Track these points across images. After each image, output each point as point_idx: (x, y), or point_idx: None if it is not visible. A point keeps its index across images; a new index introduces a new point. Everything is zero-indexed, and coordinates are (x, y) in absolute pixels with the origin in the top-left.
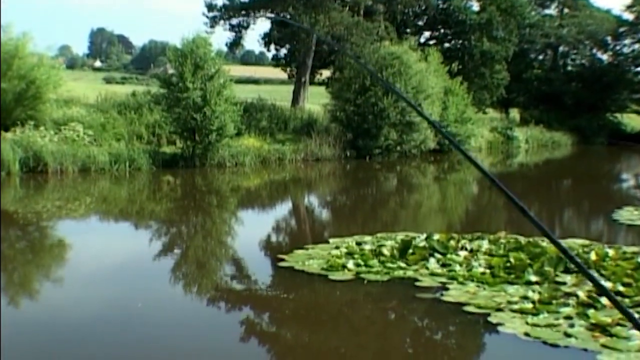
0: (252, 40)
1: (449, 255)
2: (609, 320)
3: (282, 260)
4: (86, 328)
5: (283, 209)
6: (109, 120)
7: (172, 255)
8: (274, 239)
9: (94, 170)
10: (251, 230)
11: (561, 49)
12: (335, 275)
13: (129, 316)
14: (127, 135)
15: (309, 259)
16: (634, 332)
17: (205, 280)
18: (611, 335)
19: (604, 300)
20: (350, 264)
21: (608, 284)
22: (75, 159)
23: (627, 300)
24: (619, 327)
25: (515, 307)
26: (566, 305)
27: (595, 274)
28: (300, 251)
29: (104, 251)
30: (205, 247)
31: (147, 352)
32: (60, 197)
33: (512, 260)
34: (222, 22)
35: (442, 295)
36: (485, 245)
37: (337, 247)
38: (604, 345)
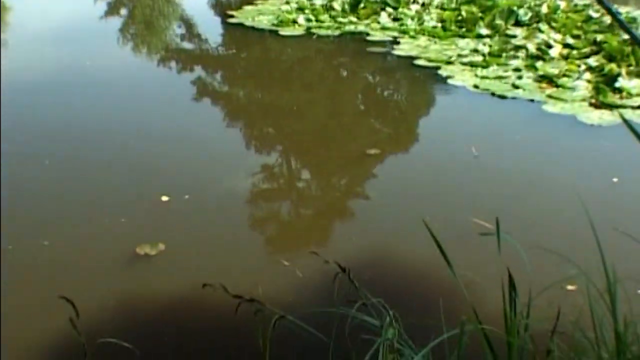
0: None
1: (400, 9)
2: (556, 71)
3: (232, 16)
4: (32, 88)
5: None
6: None
7: (119, 15)
8: None
9: None
10: None
11: None
12: (285, 31)
13: (77, 76)
14: None
15: (259, 15)
16: (579, 83)
17: (155, 40)
18: (557, 86)
19: (553, 52)
20: (301, 19)
21: (557, 36)
22: None
23: (575, 52)
24: (565, 79)
25: (466, 60)
26: (515, 57)
27: (546, 26)
28: (249, 7)
29: (47, 14)
30: (152, 5)
31: (95, 112)
32: None
33: (463, 13)
34: None
35: (393, 49)
36: None
37: (287, 2)
38: (549, 96)
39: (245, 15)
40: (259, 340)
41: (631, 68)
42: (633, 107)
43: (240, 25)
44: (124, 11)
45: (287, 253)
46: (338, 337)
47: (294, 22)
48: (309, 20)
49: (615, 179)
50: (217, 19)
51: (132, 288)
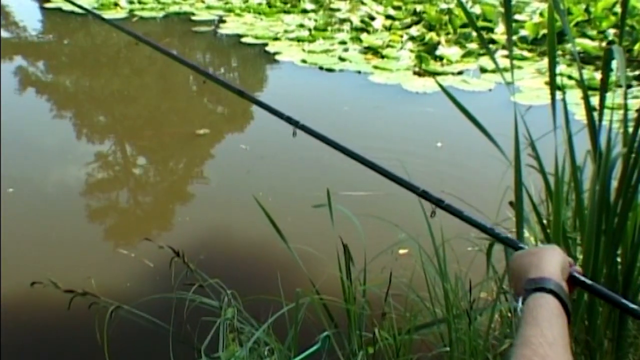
0: None
1: None
2: (380, 43)
3: (48, 1)
4: None
5: None
6: None
7: None
8: None
9: None
10: None
11: None
12: (107, 15)
13: None
14: None
15: None
16: (403, 52)
17: None
18: (382, 57)
19: (376, 23)
20: (123, 2)
21: (380, 8)
22: None
23: (397, 23)
24: (389, 49)
25: (292, 35)
26: (341, 31)
27: None
28: None
29: None
30: None
31: None
32: None
33: None
34: None
35: (220, 28)
36: None
37: None
38: (375, 67)
39: (62, 0)
40: (97, 333)
41: (450, 36)
42: (453, 74)
43: (59, 10)
44: None
45: (123, 242)
46: (178, 323)
47: (116, 4)
48: (131, 2)
49: (439, 144)
50: (34, 5)
51: None
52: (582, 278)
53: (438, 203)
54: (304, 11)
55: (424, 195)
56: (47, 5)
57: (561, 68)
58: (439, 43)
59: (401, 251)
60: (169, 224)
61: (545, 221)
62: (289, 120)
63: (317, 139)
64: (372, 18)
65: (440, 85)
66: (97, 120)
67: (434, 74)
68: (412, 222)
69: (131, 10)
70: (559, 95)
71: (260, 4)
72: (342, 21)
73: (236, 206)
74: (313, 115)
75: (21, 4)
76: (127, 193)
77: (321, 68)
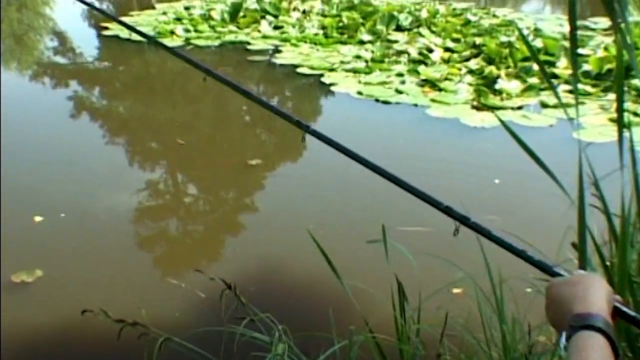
0: None
1: (281, 17)
2: (438, 75)
3: (106, 29)
4: None
5: None
6: None
7: None
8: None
9: None
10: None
11: None
12: (163, 42)
13: None
14: None
15: (135, 27)
16: (461, 86)
17: (26, 55)
18: (440, 90)
19: (434, 56)
20: (179, 30)
21: (438, 40)
22: None
23: (455, 55)
24: (447, 82)
25: (348, 66)
26: (398, 63)
27: (426, 31)
28: (125, 18)
29: None
30: (21, 19)
31: None
32: None
33: (345, 20)
34: None
35: (275, 58)
36: (318, 5)
37: (164, 13)
38: (433, 100)
39: (120, 27)
40: None
41: (510, 70)
42: (513, 108)
43: (116, 37)
44: None
45: (173, 272)
46: (228, 357)
47: (172, 33)
48: (187, 30)
49: (497, 180)
50: (92, 32)
51: (8, 319)
52: (626, 310)
53: (463, 220)
54: (361, 42)
55: (448, 211)
56: (105, 32)
57: (627, 104)
58: (498, 77)
59: (456, 290)
60: (219, 254)
61: (608, 263)
62: (298, 124)
63: (328, 144)
64: (430, 50)
65: (500, 120)
66: (149, 147)
67: (493, 108)
68: (468, 260)
69: (187, 39)
70: (625, 132)
71: (316, 34)
72: (400, 53)
73: (287, 238)
74: (367, 147)
75: (79, 32)
76: (177, 222)
77: (377, 100)
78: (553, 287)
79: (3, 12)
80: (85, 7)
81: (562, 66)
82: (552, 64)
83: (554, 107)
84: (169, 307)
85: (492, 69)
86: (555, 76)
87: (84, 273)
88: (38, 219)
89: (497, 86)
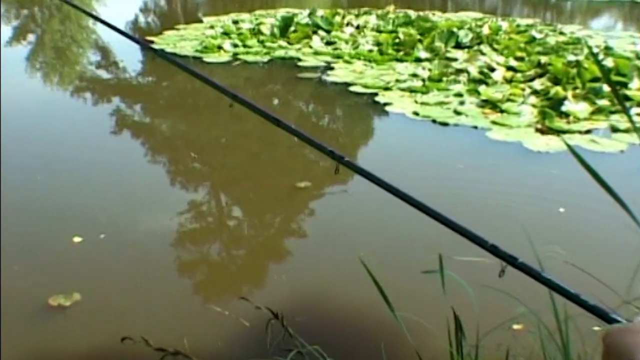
0: None
1: (334, 33)
2: (499, 96)
3: (152, 42)
4: None
5: None
6: None
7: (26, 42)
8: (141, 20)
9: None
10: (115, 11)
11: None
12: (210, 58)
13: None
14: None
15: (181, 41)
16: (524, 107)
17: (67, 68)
18: (501, 112)
19: (496, 75)
20: (227, 45)
21: (500, 59)
22: None
23: (519, 75)
24: (509, 103)
25: (404, 85)
26: (457, 82)
27: (488, 48)
28: (171, 32)
29: None
30: (64, 31)
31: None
32: None
33: (401, 36)
34: None
35: (327, 75)
36: (373, 20)
37: (212, 27)
38: (494, 122)
39: (166, 41)
40: None
41: (577, 91)
42: (580, 132)
43: (161, 51)
44: (31, 37)
45: (216, 299)
46: None
47: (220, 48)
48: (235, 45)
49: (562, 209)
50: (136, 46)
51: (45, 344)
52: None
53: (510, 260)
54: (418, 60)
55: (493, 250)
56: (150, 46)
57: None
58: (565, 98)
59: (517, 326)
60: (264, 281)
61: None
62: (331, 154)
63: (361, 176)
64: (492, 69)
65: (567, 144)
66: (192, 167)
67: (558, 131)
68: (530, 293)
69: (235, 54)
70: None
71: (371, 50)
72: (459, 71)
73: (337, 266)
74: (424, 171)
75: (123, 45)
76: (220, 246)
77: (434, 121)
78: (612, 336)
79: (45, 25)
80: (129, 19)
81: (635, 87)
82: (624, 85)
83: (626, 131)
84: (211, 336)
85: (558, 89)
86: (628, 98)
87: (124, 297)
88: (77, 239)
89: (563, 108)
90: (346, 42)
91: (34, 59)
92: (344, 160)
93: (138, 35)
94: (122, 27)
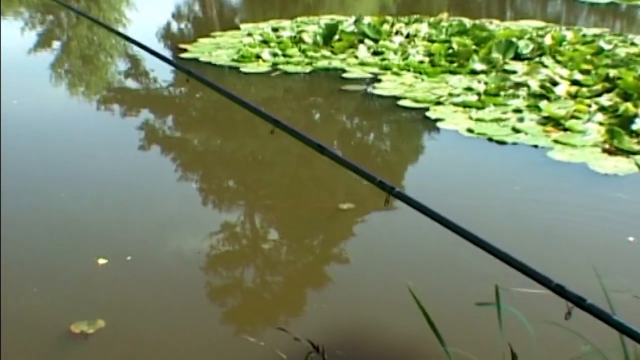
0: None
1: (381, 42)
2: (562, 112)
3: (185, 50)
4: None
5: None
6: None
7: (51, 49)
8: (174, 26)
9: None
10: (146, 17)
11: None
12: (248, 68)
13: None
14: None
15: (217, 49)
16: (590, 125)
17: (94, 77)
18: (565, 130)
19: (559, 90)
20: (266, 54)
21: (564, 72)
22: None
23: (584, 89)
24: (573, 121)
25: (458, 100)
26: (515, 97)
27: (550, 60)
28: (205, 40)
29: None
30: (91, 38)
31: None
32: None
33: (455, 46)
34: None
35: (373, 88)
36: (424, 29)
37: (249, 35)
38: (556, 141)
39: (200, 50)
40: None
41: None
42: None
43: (195, 60)
44: (57, 44)
45: (250, 328)
46: None
47: (258, 57)
48: (275, 55)
49: (631, 238)
50: (168, 54)
51: None
52: None
53: (578, 302)
54: (473, 72)
55: (559, 290)
56: (183, 54)
57: None
58: (635, 115)
59: None
60: (302, 310)
61: None
62: (381, 185)
63: (414, 208)
64: (555, 83)
65: (639, 166)
66: (226, 185)
67: (629, 152)
68: (596, 329)
69: (274, 64)
70: None
71: (422, 61)
72: (518, 85)
73: (382, 295)
74: (478, 193)
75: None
76: (255, 271)
77: (490, 140)
78: None
79: (71, 31)
80: (161, 26)
81: None
82: None
83: None
84: None
85: (628, 106)
86: None
87: (151, 325)
88: (102, 261)
89: (634, 127)
90: (395, 52)
91: (59, 67)
92: (395, 192)
93: (170, 42)
94: (154, 33)
